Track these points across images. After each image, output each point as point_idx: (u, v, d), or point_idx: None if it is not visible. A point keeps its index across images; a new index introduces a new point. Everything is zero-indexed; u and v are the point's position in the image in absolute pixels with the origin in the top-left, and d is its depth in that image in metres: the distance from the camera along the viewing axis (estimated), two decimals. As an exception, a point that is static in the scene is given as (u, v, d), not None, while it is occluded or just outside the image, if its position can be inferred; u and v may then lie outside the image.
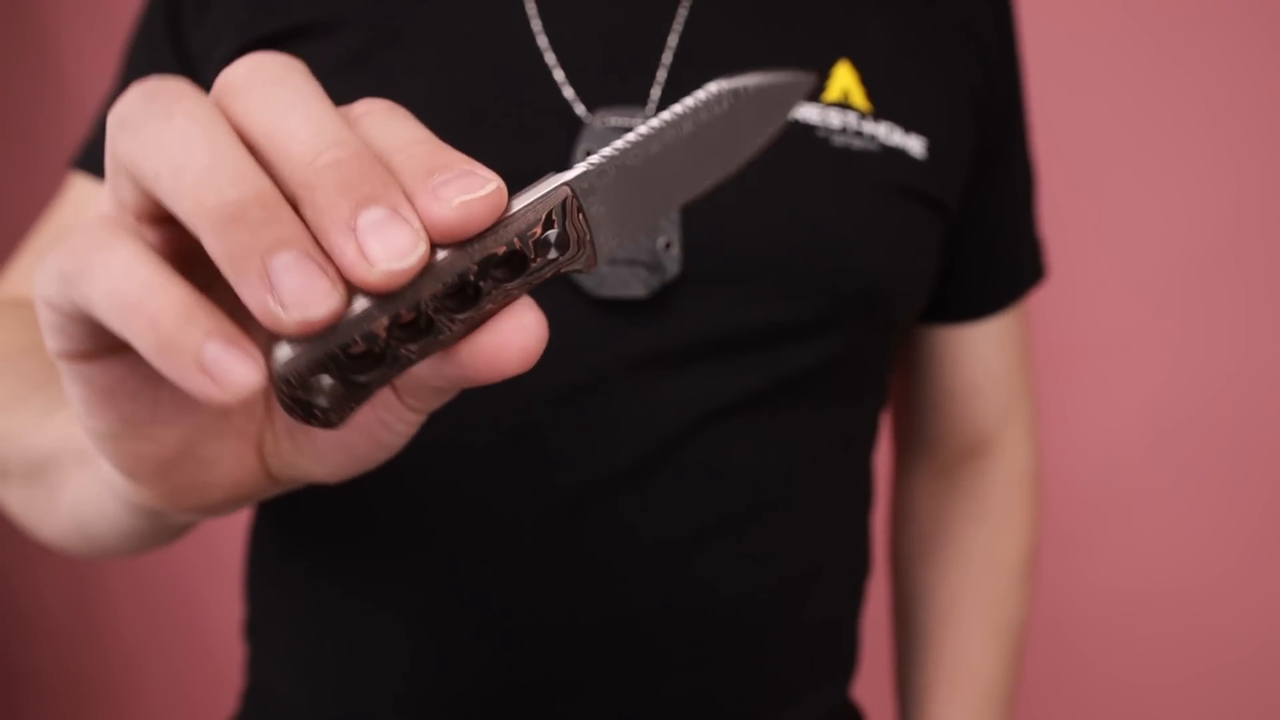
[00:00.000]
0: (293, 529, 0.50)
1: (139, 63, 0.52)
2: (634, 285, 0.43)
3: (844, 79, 0.47)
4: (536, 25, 0.46)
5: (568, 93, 0.44)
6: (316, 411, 0.21)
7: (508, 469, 0.45)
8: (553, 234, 0.22)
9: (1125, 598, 0.89)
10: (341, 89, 0.45)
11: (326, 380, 0.21)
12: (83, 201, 0.52)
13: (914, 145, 0.48)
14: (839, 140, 0.46)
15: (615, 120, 0.43)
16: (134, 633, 1.37)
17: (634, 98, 0.45)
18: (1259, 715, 0.85)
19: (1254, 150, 0.80)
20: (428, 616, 0.46)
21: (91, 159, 0.53)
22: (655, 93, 0.45)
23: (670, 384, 0.45)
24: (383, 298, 0.20)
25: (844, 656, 0.54)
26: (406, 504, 0.46)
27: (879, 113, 0.47)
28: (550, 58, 0.45)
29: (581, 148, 0.43)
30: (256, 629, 0.54)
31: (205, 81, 0.49)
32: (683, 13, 0.46)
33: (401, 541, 0.46)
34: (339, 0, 0.47)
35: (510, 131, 0.44)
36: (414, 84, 0.45)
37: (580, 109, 0.44)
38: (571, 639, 0.45)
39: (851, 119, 0.46)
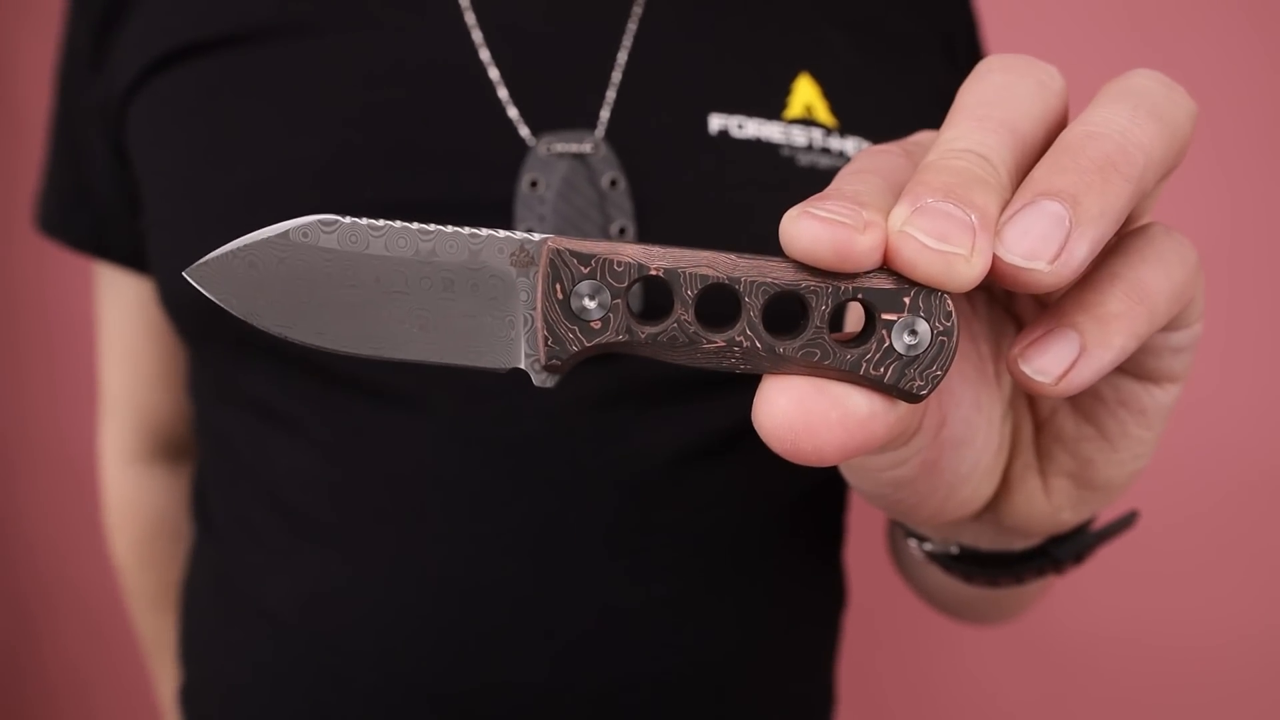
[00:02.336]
0: (245, 594, 0.46)
1: (54, 128, 0.52)
2: None
3: (806, 94, 0.44)
4: (478, 37, 0.42)
5: (512, 113, 0.41)
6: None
7: (469, 535, 0.41)
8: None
9: (1119, 614, 0.87)
10: (264, 106, 0.41)
11: None
12: (121, 303, 0.55)
13: None
14: (805, 159, 0.43)
15: (561, 146, 0.40)
16: (82, 658, 1.32)
17: (582, 120, 0.41)
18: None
19: (1247, 160, 0.78)
20: (392, 693, 0.42)
21: (54, 218, 0.52)
22: (604, 114, 0.41)
23: (636, 429, 0.41)
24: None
25: (821, 698, 0.52)
26: (362, 581, 0.42)
27: (845, 127, 0.44)
28: (494, 73, 0.41)
29: (526, 177, 0.39)
30: (195, 700, 0.50)
31: (124, 119, 0.45)
32: (632, 27, 0.43)
33: (361, 613, 0.42)
34: (263, 9, 0.42)
35: (450, 154, 0.40)
36: (345, 101, 0.41)
37: (525, 131, 0.41)
38: (545, 708, 0.42)
39: (817, 135, 0.43)
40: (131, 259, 0.50)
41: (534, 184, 0.39)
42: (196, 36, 0.43)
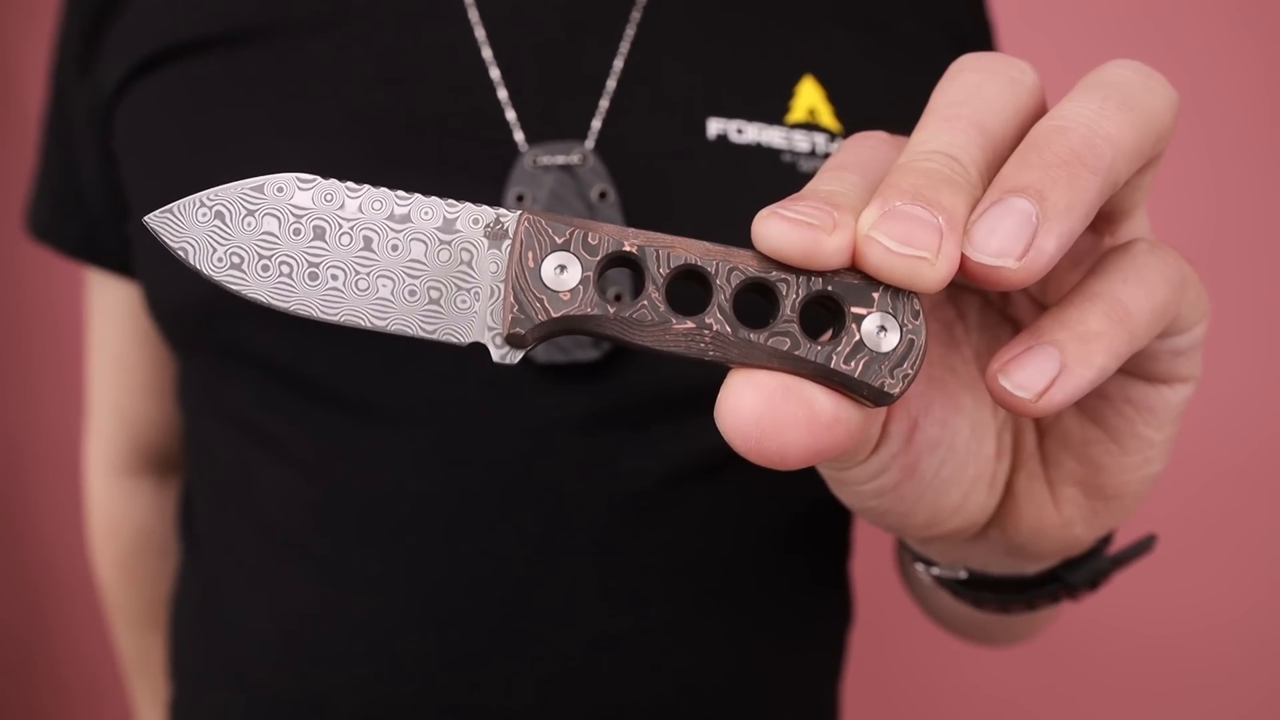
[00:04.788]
0: (229, 613, 0.45)
1: (47, 133, 0.51)
2: (584, 347, 0.38)
3: (809, 97, 0.42)
4: (480, 34, 0.40)
5: (510, 115, 0.39)
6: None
7: (453, 557, 0.39)
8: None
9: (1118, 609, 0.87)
10: (252, 108, 0.40)
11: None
12: (111, 310, 0.53)
13: None
14: (807, 165, 0.41)
15: (547, 158, 0.38)
16: (93, 653, 1.33)
17: (573, 129, 0.40)
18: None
19: (1232, 156, 0.79)
20: (375, 718, 0.41)
21: (45, 222, 0.51)
22: (595, 124, 0.40)
23: (626, 449, 0.40)
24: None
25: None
26: (344, 603, 0.41)
27: (850, 132, 0.42)
28: (494, 73, 0.40)
29: (512, 191, 0.38)
30: (184, 716, 0.48)
31: (111, 119, 0.44)
32: (630, 30, 0.41)
33: (343, 636, 0.41)
34: (251, 9, 0.41)
35: (441, 159, 0.39)
36: (335, 103, 0.40)
37: (520, 136, 0.39)
38: None
39: (820, 141, 0.41)
40: (122, 265, 0.49)
41: (520, 198, 0.38)
42: (185, 37, 0.42)
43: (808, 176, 0.41)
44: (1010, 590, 0.32)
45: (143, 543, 0.59)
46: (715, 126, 0.40)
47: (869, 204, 0.20)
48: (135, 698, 0.62)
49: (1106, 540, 0.32)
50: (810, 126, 0.41)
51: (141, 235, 0.44)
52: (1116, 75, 0.21)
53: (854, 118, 0.42)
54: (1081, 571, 0.31)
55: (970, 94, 0.21)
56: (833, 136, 0.42)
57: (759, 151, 0.41)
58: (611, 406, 0.39)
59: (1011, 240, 0.19)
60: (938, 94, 0.22)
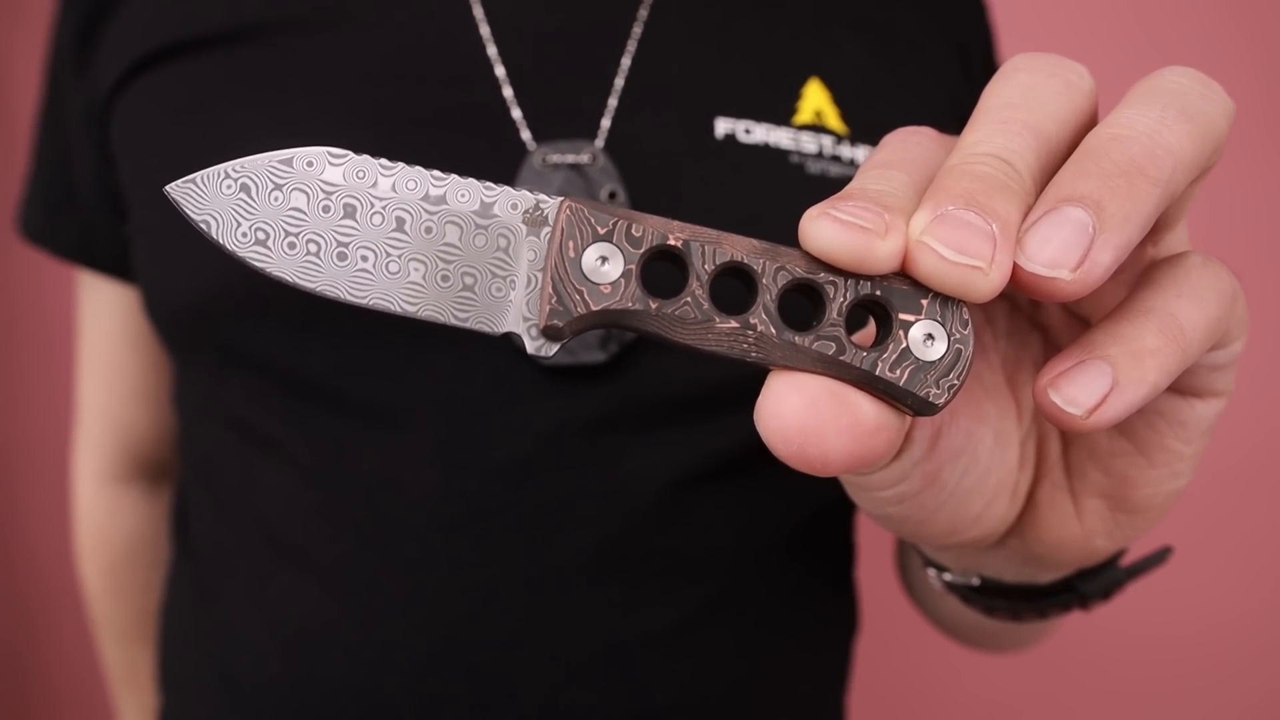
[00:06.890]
0: (224, 621, 0.44)
1: (41, 135, 0.50)
2: (590, 349, 0.37)
3: (816, 98, 0.42)
4: (485, 32, 0.40)
5: (516, 114, 0.39)
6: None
7: (455, 562, 0.39)
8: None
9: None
10: (253, 107, 0.39)
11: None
12: (104, 313, 0.53)
13: None
14: (814, 167, 0.41)
15: (556, 157, 0.38)
16: (83, 660, 1.32)
17: (585, 124, 0.39)
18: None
19: (1229, 156, 0.79)
20: None
21: (38, 222, 0.50)
22: (605, 123, 0.39)
23: (633, 453, 0.39)
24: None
25: None
26: (343, 610, 0.40)
27: (856, 135, 0.42)
28: (500, 71, 0.39)
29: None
30: None
31: (108, 119, 0.44)
32: (637, 30, 0.41)
33: (342, 643, 0.40)
34: (253, 6, 0.41)
35: (446, 157, 0.38)
36: (338, 101, 0.39)
37: (527, 134, 0.39)
38: None
39: (827, 143, 0.41)
40: (117, 267, 0.48)
41: None
42: (184, 34, 0.41)
43: (815, 178, 0.40)
44: (1023, 598, 0.32)
45: (132, 552, 0.58)
46: (723, 126, 0.40)
47: (920, 206, 0.19)
48: (120, 712, 0.61)
49: (1122, 550, 0.31)
50: (817, 128, 0.41)
51: (138, 237, 0.43)
52: (1175, 83, 0.21)
53: (860, 120, 0.42)
54: (1096, 582, 0.31)
55: (1025, 95, 0.21)
56: (839, 139, 0.41)
57: (767, 152, 0.40)
58: (617, 410, 0.39)
59: (1066, 251, 0.18)
60: (990, 93, 0.21)
